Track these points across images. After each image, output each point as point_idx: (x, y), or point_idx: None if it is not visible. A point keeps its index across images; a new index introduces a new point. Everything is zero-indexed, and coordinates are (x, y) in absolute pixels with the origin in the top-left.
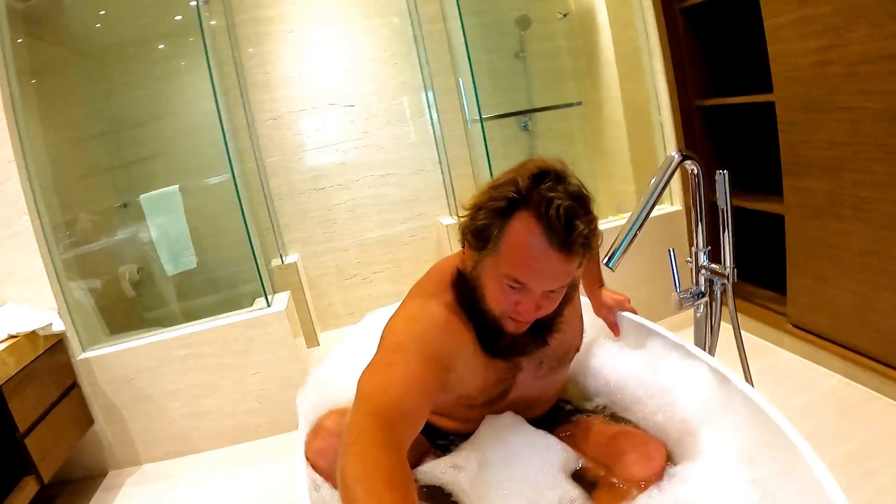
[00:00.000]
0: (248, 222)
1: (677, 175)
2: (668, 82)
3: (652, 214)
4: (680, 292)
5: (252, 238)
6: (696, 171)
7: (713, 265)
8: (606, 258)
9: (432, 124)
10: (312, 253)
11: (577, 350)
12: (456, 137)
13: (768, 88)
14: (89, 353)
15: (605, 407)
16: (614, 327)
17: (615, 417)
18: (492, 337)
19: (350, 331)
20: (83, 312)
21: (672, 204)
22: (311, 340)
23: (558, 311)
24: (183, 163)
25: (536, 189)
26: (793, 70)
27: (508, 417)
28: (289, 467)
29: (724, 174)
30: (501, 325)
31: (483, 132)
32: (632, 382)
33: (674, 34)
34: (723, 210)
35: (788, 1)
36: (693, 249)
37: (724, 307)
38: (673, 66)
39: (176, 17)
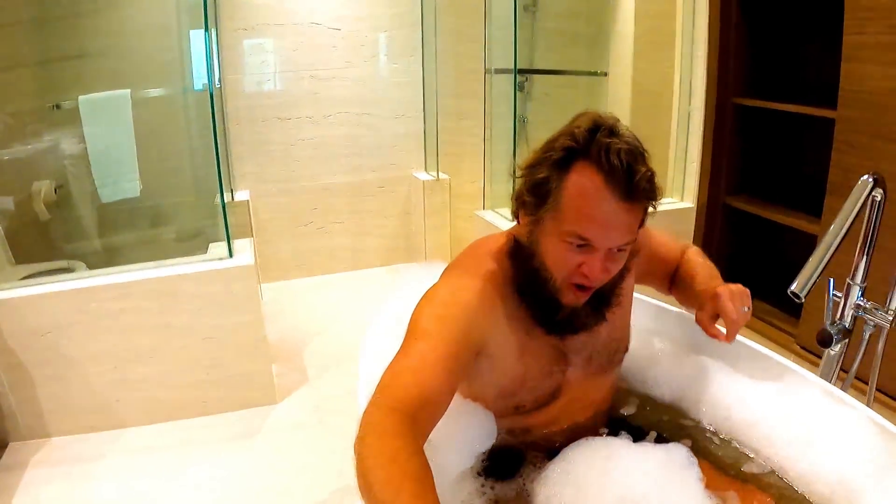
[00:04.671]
0: (218, 148)
1: (694, 169)
2: (709, 72)
3: (659, 209)
4: (830, 325)
5: (221, 170)
6: (879, 199)
7: (873, 305)
8: (796, 286)
9: (423, 67)
10: (265, 192)
11: (626, 351)
12: (450, 86)
13: (813, 101)
14: None
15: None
16: (733, 326)
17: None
18: (549, 310)
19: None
20: None
21: (682, 199)
22: None
23: (617, 282)
24: (127, 65)
25: (594, 138)
26: (867, 93)
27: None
28: (238, 452)
29: None
30: (560, 298)
31: (515, 85)
32: (761, 421)
33: (726, 24)
34: None
35: (880, 23)
36: (848, 281)
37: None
38: (718, 56)
39: None
